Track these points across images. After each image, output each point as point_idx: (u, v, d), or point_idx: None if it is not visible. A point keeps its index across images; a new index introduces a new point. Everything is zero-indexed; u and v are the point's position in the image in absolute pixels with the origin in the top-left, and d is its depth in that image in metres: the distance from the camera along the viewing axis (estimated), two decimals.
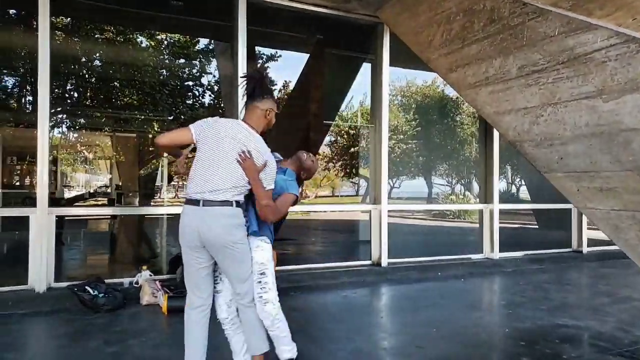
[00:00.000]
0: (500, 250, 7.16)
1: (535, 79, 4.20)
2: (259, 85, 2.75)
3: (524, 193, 19.78)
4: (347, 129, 21.03)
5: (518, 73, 4.36)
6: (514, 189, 22.49)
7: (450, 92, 19.24)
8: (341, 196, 32.05)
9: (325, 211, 16.24)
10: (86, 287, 4.41)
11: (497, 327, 4.32)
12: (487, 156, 7.18)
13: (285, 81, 16.65)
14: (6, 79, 14.45)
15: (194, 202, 2.56)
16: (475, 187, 20.75)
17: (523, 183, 19.26)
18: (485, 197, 7.23)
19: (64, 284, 4.63)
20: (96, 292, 4.38)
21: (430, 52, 5.29)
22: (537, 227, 11.26)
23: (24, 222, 4.85)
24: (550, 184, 3.93)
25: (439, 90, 21.21)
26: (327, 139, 23.58)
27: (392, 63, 6.59)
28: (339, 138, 21.87)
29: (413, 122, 20.95)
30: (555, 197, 5.01)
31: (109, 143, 16.71)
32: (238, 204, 2.60)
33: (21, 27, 10.54)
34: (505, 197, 20.31)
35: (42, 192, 4.57)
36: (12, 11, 10.57)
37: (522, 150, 4.58)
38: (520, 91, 4.37)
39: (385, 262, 6.21)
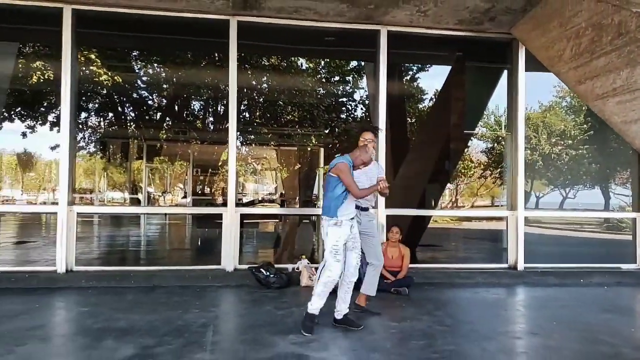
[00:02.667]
0: None
1: None
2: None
3: None
4: (504, 135, 20.73)
5: None
6: None
7: None
8: (501, 206, 31.11)
9: (469, 219, 16.42)
10: (261, 269, 5.97)
11: (625, 327, 4.70)
12: None
13: (437, 90, 17.39)
14: (194, 103, 17.78)
15: None
16: None
17: None
18: (639, 205, 7.26)
19: (245, 266, 6.28)
20: (268, 273, 5.90)
21: (560, 66, 5.82)
22: None
23: (209, 222, 6.70)
24: None
25: None
26: (483, 145, 23.56)
27: (537, 68, 7.09)
28: (495, 145, 21.67)
29: (584, 126, 19.79)
30: None
31: (274, 156, 19.31)
32: None
33: (205, 63, 13.18)
34: None
35: (231, 195, 6.33)
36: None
37: None
38: None
39: (521, 266, 6.76)
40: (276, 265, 6.18)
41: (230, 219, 6.27)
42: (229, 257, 6.27)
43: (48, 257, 7.93)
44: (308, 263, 6.25)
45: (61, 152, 6.15)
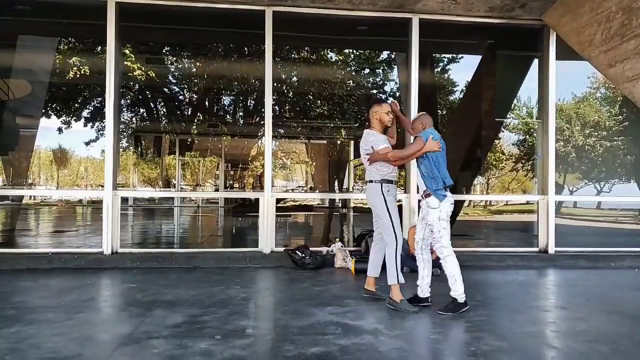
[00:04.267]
0: None
1: None
2: (368, 104, 4.73)
3: None
4: (535, 123, 20.55)
5: None
6: None
7: None
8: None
9: (501, 212, 16.37)
10: (297, 251, 6.29)
11: None
12: None
13: (467, 82, 17.45)
14: (224, 98, 18.24)
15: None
16: None
17: None
18: None
19: (281, 249, 6.60)
20: (304, 255, 6.21)
21: (590, 50, 5.94)
22: None
23: (241, 212, 7.00)
24: None
25: None
26: (515, 137, 23.46)
27: (568, 56, 7.19)
28: (527, 137, 21.50)
29: (619, 117, 19.50)
30: None
31: (304, 149, 19.69)
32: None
33: (235, 56, 13.57)
34: None
35: (267, 179, 6.66)
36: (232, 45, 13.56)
37: None
38: None
39: (552, 249, 6.90)
40: (311, 248, 6.48)
41: (267, 202, 6.61)
42: (266, 240, 6.60)
43: (91, 243, 8.46)
44: (342, 246, 6.53)
45: (106, 140, 6.57)
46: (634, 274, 6.31)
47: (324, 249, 6.64)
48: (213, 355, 3.15)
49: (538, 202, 7.15)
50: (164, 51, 14.16)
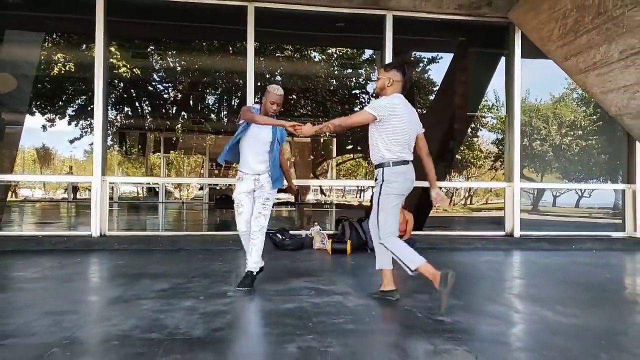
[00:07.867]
0: None
1: (633, 60, 5.23)
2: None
3: None
4: (503, 116, 21.11)
5: (619, 57, 5.41)
6: None
7: None
8: None
9: (480, 209, 16.86)
10: (277, 234, 6.66)
11: (600, 274, 5.32)
12: (630, 138, 7.80)
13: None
14: (209, 97, 18.52)
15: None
16: None
17: None
18: (628, 178, 7.88)
19: None
20: (284, 237, 6.59)
21: (549, 45, 6.44)
22: None
23: (225, 206, 7.32)
24: None
25: None
26: (494, 136, 24.14)
27: (533, 55, 7.69)
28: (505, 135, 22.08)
29: (594, 117, 20.26)
30: None
31: (288, 148, 20.02)
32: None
33: (221, 54, 13.88)
34: None
35: None
36: (215, 42, 13.90)
37: (622, 122, 5.55)
38: (620, 72, 5.40)
39: (517, 233, 7.38)
40: (291, 232, 6.87)
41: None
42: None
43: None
44: (320, 229, 6.93)
45: (95, 130, 6.90)
46: (592, 254, 6.80)
47: (303, 232, 7.03)
48: (197, 310, 3.52)
49: (505, 189, 7.64)
50: (149, 47, 14.40)
